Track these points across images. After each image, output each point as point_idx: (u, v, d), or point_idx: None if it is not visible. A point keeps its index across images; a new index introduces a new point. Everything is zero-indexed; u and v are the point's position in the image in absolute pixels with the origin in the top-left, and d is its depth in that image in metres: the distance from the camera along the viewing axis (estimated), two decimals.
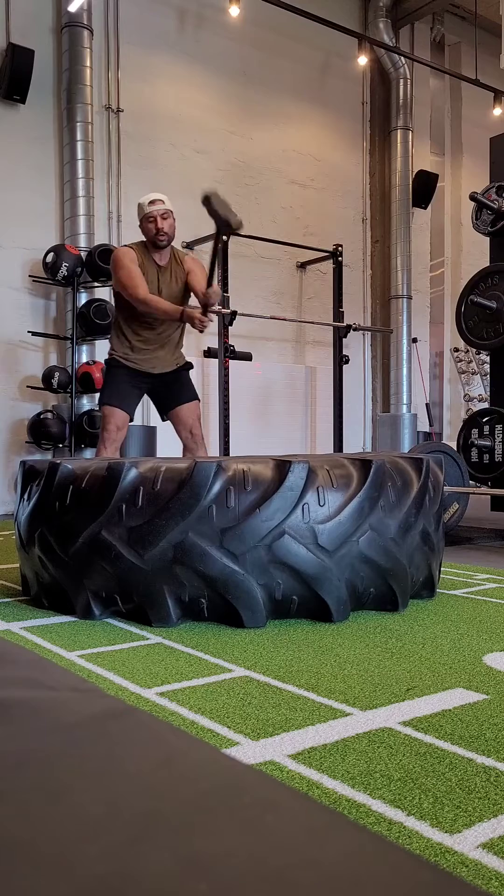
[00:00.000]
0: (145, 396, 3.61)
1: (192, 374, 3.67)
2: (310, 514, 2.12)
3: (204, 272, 3.39)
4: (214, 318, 3.24)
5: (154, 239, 3.34)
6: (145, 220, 3.35)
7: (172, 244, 3.44)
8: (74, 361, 5.60)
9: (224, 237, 3.30)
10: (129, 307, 3.38)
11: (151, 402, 3.68)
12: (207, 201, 3.01)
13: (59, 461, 2.32)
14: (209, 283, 3.23)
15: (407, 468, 2.39)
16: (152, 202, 3.35)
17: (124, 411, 3.45)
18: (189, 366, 3.62)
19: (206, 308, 3.21)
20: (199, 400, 3.63)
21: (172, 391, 3.53)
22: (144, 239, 3.42)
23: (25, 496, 2.43)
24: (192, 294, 3.44)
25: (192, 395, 3.57)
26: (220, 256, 3.39)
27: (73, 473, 2.27)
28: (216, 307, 3.34)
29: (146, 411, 5.64)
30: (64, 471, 2.28)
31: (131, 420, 3.54)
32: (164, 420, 3.62)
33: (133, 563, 2.10)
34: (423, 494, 2.37)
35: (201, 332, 3.26)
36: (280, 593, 2.13)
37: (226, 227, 3.05)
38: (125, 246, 3.44)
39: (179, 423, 3.51)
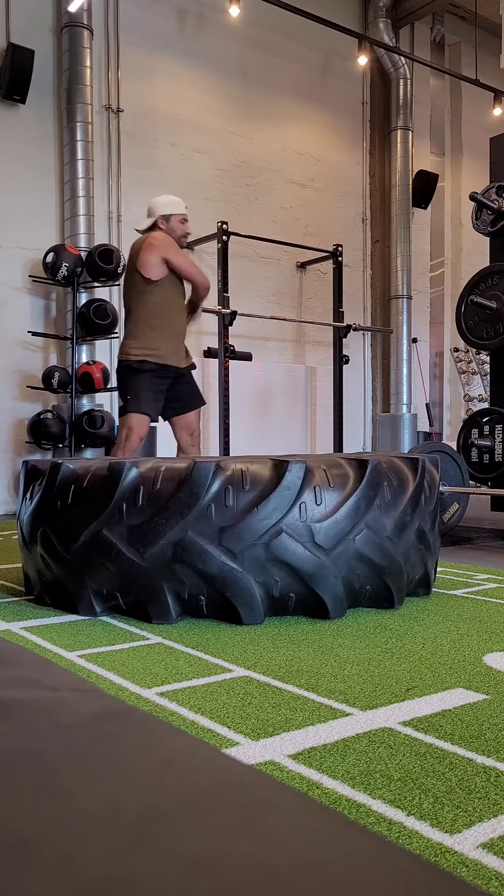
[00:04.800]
0: None
1: (193, 374, 3.69)
2: (307, 513, 2.13)
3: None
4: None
5: (181, 238, 3.49)
6: (180, 218, 3.46)
7: None
8: (74, 361, 5.60)
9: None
10: (167, 301, 3.40)
11: None
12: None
13: (60, 461, 2.33)
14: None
15: (403, 468, 2.40)
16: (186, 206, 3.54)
17: (152, 419, 3.48)
18: (194, 366, 3.66)
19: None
20: (204, 403, 3.68)
21: (185, 395, 3.55)
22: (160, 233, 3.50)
23: (28, 495, 2.44)
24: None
25: (201, 401, 3.61)
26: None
27: (75, 473, 2.28)
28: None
29: None
30: (66, 470, 2.29)
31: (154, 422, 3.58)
32: (164, 420, 3.63)
33: (133, 562, 2.11)
34: (419, 494, 2.38)
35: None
36: (278, 591, 2.15)
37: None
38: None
39: (184, 427, 3.52)
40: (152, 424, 3.71)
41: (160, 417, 3.65)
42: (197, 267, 3.50)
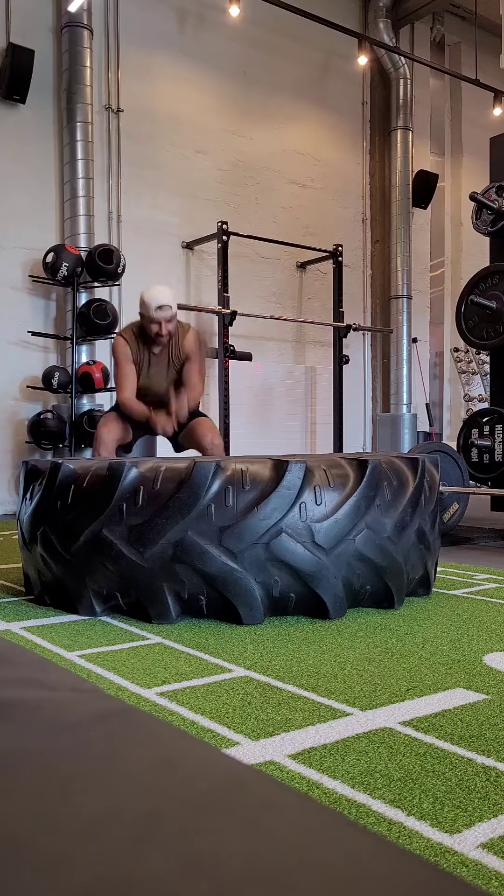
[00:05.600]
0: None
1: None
2: (307, 513, 2.13)
3: (200, 361, 3.46)
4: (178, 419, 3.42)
5: (153, 339, 3.36)
6: (148, 320, 3.32)
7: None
8: (74, 361, 5.60)
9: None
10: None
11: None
12: None
13: (60, 461, 2.33)
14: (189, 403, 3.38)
15: (403, 468, 2.41)
16: (160, 307, 3.26)
17: (123, 423, 3.47)
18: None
19: (172, 426, 3.37)
20: (207, 417, 3.61)
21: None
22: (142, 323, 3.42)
23: (28, 495, 2.44)
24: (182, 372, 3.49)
25: (198, 414, 3.57)
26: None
27: (75, 473, 2.28)
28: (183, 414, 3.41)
29: None
30: (66, 470, 2.29)
31: (131, 441, 3.57)
32: (177, 452, 3.61)
33: (134, 562, 2.12)
34: (419, 494, 2.38)
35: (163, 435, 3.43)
36: (277, 590, 2.15)
37: None
38: (122, 335, 3.44)
39: (197, 438, 3.47)
40: None
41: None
42: (128, 408, 3.39)
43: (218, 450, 3.48)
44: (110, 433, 3.44)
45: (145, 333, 3.39)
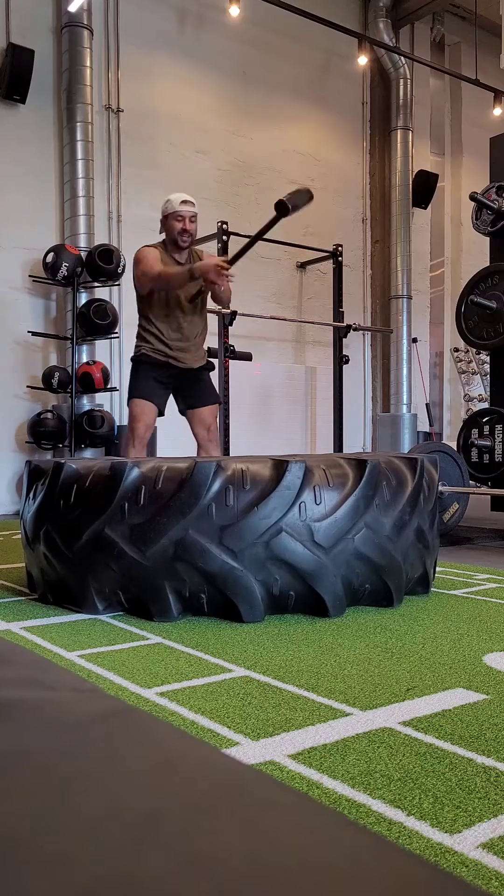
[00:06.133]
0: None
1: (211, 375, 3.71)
2: (306, 513, 2.14)
3: None
4: (232, 278, 3.35)
5: (177, 238, 3.35)
6: (173, 217, 3.34)
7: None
8: (74, 361, 5.60)
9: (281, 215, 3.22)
10: (155, 308, 3.41)
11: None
12: (288, 209, 3.06)
13: (63, 461, 2.34)
14: (233, 261, 3.29)
15: (402, 468, 2.41)
16: (185, 202, 3.34)
17: (154, 404, 3.46)
18: (211, 366, 3.66)
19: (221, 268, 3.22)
20: (220, 403, 3.65)
21: (195, 391, 3.56)
22: (164, 238, 3.43)
23: (31, 495, 2.45)
24: (208, 294, 3.49)
25: (215, 399, 3.63)
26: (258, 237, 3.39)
27: (78, 473, 2.29)
28: (231, 276, 3.33)
29: None
30: (68, 470, 2.30)
31: (161, 414, 3.55)
32: (181, 414, 3.63)
33: (135, 560, 2.13)
34: (418, 493, 2.39)
35: (218, 284, 3.26)
36: (278, 589, 2.16)
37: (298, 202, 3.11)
38: (147, 246, 3.43)
39: (199, 422, 3.54)
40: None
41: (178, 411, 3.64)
42: (164, 276, 3.27)
43: (212, 439, 3.51)
44: (148, 430, 3.42)
45: (167, 247, 3.40)
